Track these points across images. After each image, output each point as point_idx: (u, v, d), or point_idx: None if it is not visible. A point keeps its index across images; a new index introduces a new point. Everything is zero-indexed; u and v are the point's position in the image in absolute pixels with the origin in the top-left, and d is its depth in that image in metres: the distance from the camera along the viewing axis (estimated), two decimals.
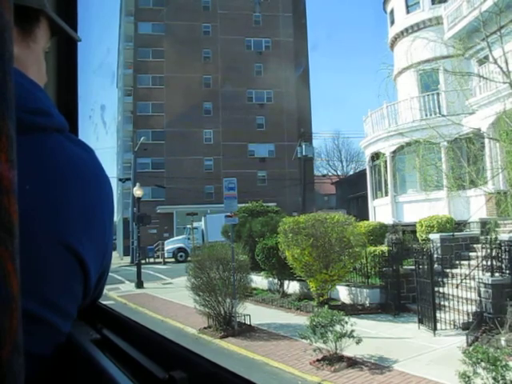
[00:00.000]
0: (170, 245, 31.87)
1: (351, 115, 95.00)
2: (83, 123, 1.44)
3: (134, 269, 29.01)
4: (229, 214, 9.85)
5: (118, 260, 37.91)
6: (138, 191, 19.48)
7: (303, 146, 36.40)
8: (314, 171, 50.58)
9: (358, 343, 7.37)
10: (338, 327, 7.52)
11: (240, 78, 40.38)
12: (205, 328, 10.35)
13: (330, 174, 59.58)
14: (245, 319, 10.32)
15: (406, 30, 17.78)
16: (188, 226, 32.41)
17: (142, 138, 32.08)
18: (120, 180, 35.50)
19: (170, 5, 40.86)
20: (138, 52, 41.37)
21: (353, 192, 51.83)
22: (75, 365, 0.74)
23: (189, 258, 31.19)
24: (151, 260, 32.82)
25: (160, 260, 31.92)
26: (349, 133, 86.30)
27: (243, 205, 22.56)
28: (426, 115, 15.50)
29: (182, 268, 27.52)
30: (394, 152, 16.09)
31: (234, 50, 40.68)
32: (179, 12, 40.57)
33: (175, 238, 33.04)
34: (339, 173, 62.63)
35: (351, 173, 62.10)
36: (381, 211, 17.13)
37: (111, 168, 49.49)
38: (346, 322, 7.61)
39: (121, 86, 45.59)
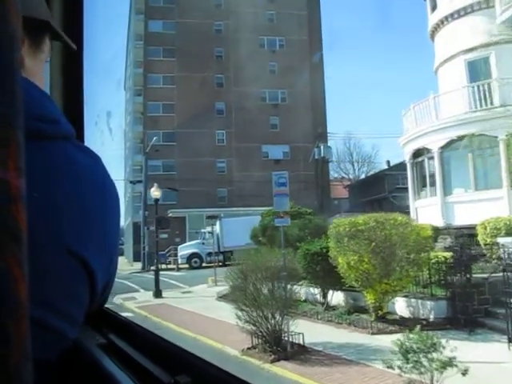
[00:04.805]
0: (183, 250, 30.35)
1: (362, 117, 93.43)
2: (89, 129, 1.46)
3: (147, 275, 27.66)
4: (280, 214, 8.35)
5: (128, 266, 36.43)
6: (155, 192, 18.01)
7: (321, 148, 34.85)
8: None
9: (464, 374, 5.82)
10: (434, 353, 6.00)
11: (253, 77, 38.97)
12: (249, 348, 8.81)
13: (341, 177, 58.04)
14: (294, 338, 8.77)
15: (451, 15, 16.18)
16: (202, 231, 30.94)
17: (154, 139, 30.74)
18: (131, 182, 34.10)
19: (181, 2, 39.61)
20: (148, 51, 40.09)
21: (368, 195, 50.37)
22: (81, 369, 0.74)
23: (203, 264, 29.88)
24: (163, 266, 31.26)
25: (173, 266, 30.41)
26: (360, 135, 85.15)
27: (268, 208, 21.11)
28: (476, 107, 13.99)
29: (197, 275, 26.08)
30: (443, 147, 14.57)
31: (247, 49, 39.28)
32: (190, 10, 39.29)
33: (189, 242, 31.51)
34: (351, 176, 61.23)
35: (363, 176, 60.79)
36: (425, 213, 15.56)
37: (119, 171, 48.20)
38: (444, 347, 6.09)
39: (130, 85, 44.32)
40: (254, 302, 8.56)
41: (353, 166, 60.86)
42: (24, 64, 0.65)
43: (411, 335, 6.37)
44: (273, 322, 8.60)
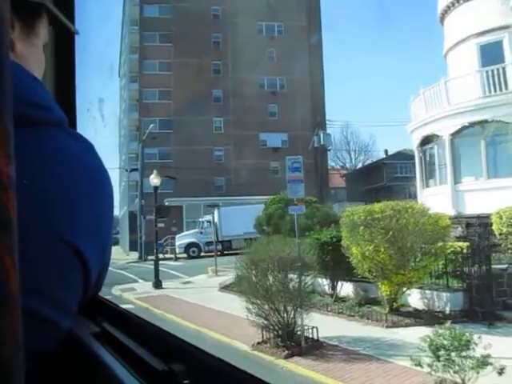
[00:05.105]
0: (181, 240, 29.84)
1: (359, 106, 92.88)
2: (81, 117, 1.44)
3: (144, 265, 27.17)
4: (294, 201, 7.84)
5: (124, 255, 35.86)
6: (155, 179, 17.45)
7: (321, 136, 34.24)
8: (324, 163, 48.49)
9: (500, 373, 5.41)
10: (468, 351, 5.58)
11: (251, 63, 38.17)
12: (259, 343, 8.37)
13: (340, 166, 57.62)
14: (308, 332, 8.34)
15: None
16: (200, 220, 30.45)
17: (150, 126, 30.00)
18: (126, 170, 33.42)
19: None
20: (144, 36, 39.15)
21: (366, 185, 50.01)
22: (75, 358, 0.74)
23: (202, 254, 29.40)
24: (160, 256, 30.72)
25: (170, 255, 29.96)
26: (357, 124, 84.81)
27: (269, 196, 20.66)
28: (490, 92, 13.51)
29: (196, 264, 25.62)
30: (454, 134, 14.06)
31: (245, 35, 38.41)
32: None
33: (187, 232, 30.98)
34: (347, 165, 60.79)
35: (359, 165, 60.44)
36: (433, 202, 15.07)
37: (113, 159, 47.47)
38: (476, 344, 5.67)
39: (125, 72, 43.37)
40: (265, 294, 8.10)
41: (349, 155, 60.51)
42: (15, 49, 0.62)
43: (440, 331, 5.94)
44: (285, 315, 8.16)
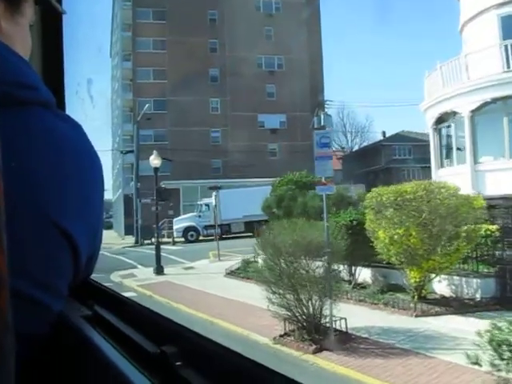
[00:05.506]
0: (179, 223, 29.06)
1: (356, 86, 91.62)
2: (70, 98, 1.40)
3: (141, 250, 26.43)
4: (323, 180, 7.07)
5: (119, 240, 35.07)
6: (155, 160, 16.57)
7: (321, 116, 33.25)
8: None
9: None
10: None
11: (249, 42, 36.94)
12: (281, 336, 7.68)
13: (341, 147, 56.84)
14: (335, 323, 7.66)
15: None
16: (199, 203, 29.68)
17: (146, 106, 28.90)
18: (121, 152, 32.38)
19: None
20: (137, 13, 37.65)
21: (363, 167, 49.28)
22: (66, 341, 0.73)
23: (200, 238, 28.72)
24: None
25: (167, 240, 29.17)
26: (354, 104, 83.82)
27: (274, 178, 19.92)
28: None
29: (196, 249, 24.94)
30: (474, 111, 13.29)
31: (242, 12, 37.12)
32: None
33: (184, 215, 30.17)
34: (344, 147, 59.95)
35: (356, 148, 59.68)
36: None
37: (105, 141, 46.28)
38: None
39: (117, 50, 41.88)
40: (289, 283, 7.39)
41: (346, 137, 59.68)
42: (0, 28, 0.60)
43: (499, 324, 5.27)
44: (310, 305, 7.46)
